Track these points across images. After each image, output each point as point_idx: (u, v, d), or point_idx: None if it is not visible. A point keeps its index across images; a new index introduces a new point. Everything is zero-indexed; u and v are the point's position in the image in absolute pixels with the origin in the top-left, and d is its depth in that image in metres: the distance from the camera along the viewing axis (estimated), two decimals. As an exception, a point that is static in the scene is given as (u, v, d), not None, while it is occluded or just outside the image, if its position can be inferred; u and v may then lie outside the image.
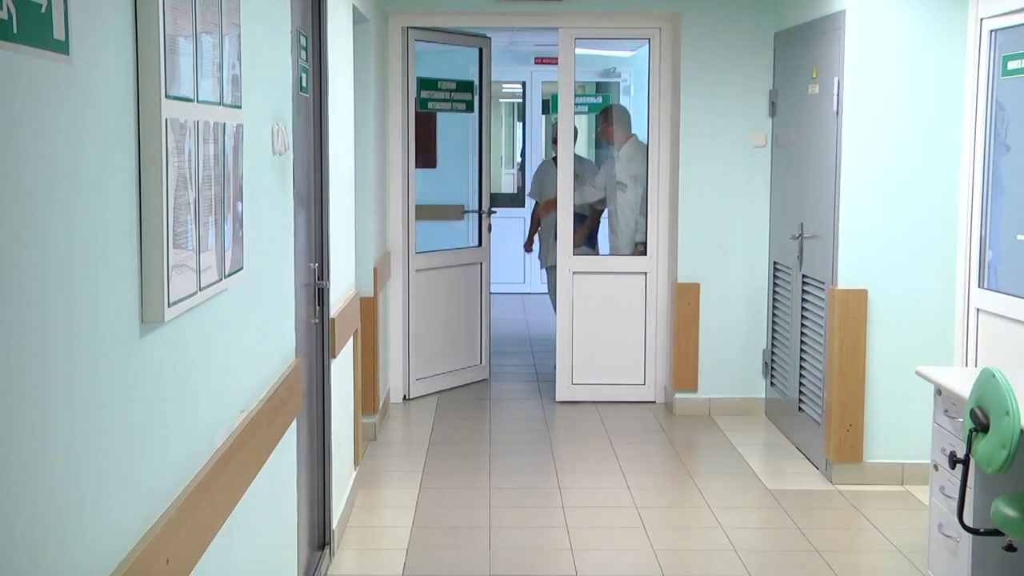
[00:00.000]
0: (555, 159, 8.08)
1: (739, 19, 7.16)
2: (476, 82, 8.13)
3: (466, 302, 8.12)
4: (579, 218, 7.98)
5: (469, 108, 8.13)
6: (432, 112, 7.92)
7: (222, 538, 2.74)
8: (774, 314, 7.11)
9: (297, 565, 4.00)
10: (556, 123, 8.21)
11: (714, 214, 7.26)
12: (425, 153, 7.84)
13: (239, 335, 3.01)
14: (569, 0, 7.33)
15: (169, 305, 2.27)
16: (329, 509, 4.77)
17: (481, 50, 8.14)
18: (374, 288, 6.57)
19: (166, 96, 2.23)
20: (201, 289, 2.50)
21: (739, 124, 7.21)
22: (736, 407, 7.35)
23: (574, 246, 7.71)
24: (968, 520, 3.90)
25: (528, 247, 9.34)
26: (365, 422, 6.44)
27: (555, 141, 8.13)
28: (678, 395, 7.37)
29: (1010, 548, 3.80)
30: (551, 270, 8.42)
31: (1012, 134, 5.43)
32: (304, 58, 4.31)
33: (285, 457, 3.70)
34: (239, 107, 2.86)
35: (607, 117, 8.23)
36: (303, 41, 4.29)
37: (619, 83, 11.76)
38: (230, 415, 2.92)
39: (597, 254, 8.17)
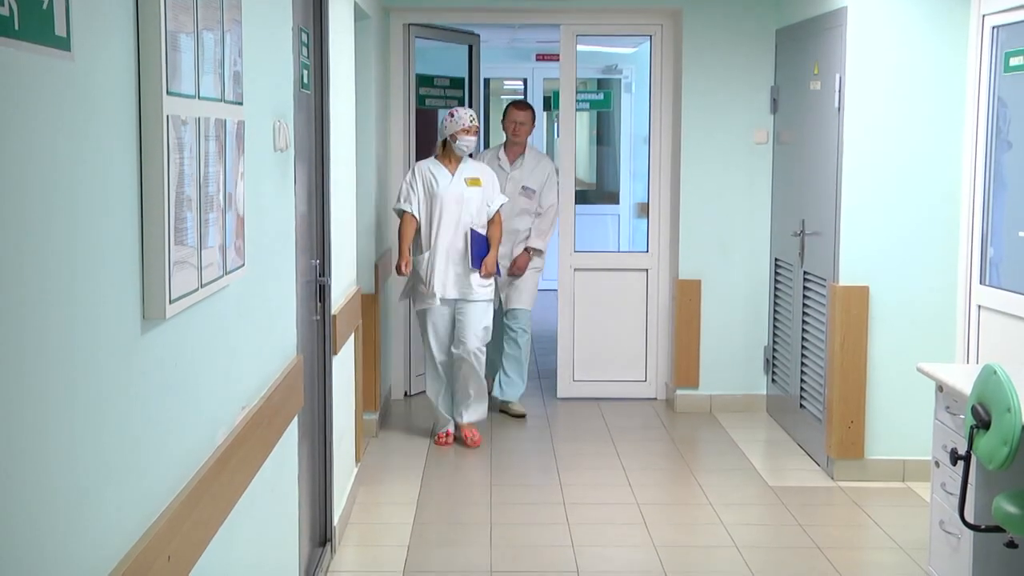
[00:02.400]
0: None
1: (741, 15, 7.15)
2: (466, 79, 8.11)
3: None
4: (479, 240, 6.43)
5: (461, 104, 8.11)
6: (434, 109, 7.91)
7: (223, 535, 2.74)
8: (775, 311, 7.10)
9: (298, 562, 4.00)
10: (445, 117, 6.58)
11: (715, 211, 7.25)
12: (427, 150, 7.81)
13: (240, 332, 3.01)
14: (570, -4, 7.33)
15: (171, 302, 2.27)
16: (330, 506, 4.77)
17: (471, 47, 8.13)
18: (375, 285, 6.56)
19: (167, 93, 2.23)
20: (203, 286, 2.50)
21: (740, 121, 7.20)
22: (737, 404, 7.35)
23: (485, 275, 6.39)
24: (969, 517, 3.89)
25: (402, 269, 6.37)
26: (366, 419, 6.44)
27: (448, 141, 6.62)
28: (679, 392, 7.37)
29: (1011, 545, 3.80)
30: (431, 311, 6.46)
31: (1014, 131, 5.42)
32: (305, 55, 4.31)
33: (286, 454, 3.70)
34: (240, 104, 2.86)
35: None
36: (304, 38, 4.28)
37: (620, 80, 11.74)
38: (231, 412, 2.92)
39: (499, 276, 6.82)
